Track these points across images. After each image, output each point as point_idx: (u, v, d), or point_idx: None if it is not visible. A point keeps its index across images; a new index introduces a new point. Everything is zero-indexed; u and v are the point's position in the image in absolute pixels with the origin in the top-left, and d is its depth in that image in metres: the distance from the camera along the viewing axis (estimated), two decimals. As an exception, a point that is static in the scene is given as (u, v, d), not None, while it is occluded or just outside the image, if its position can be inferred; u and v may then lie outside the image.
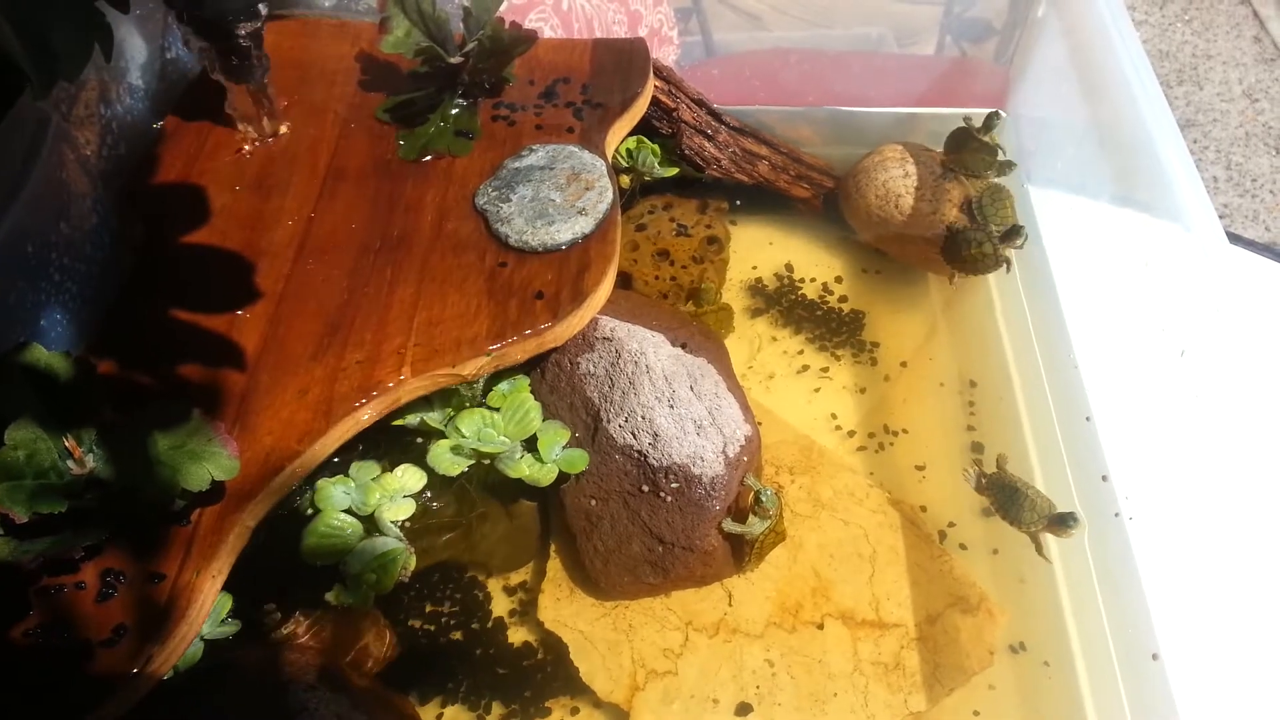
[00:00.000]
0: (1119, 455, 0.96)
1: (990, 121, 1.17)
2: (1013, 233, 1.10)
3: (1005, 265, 1.12)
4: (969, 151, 1.18)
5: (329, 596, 0.84)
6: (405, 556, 0.87)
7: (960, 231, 1.13)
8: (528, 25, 1.26)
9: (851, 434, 1.09)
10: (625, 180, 1.20)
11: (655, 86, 1.18)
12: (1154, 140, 0.95)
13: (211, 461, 0.74)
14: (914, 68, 1.59)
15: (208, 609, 0.76)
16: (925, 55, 1.62)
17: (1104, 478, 0.97)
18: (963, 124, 1.19)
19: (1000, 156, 1.16)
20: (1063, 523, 0.90)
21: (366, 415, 0.86)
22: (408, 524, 0.91)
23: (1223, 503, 0.83)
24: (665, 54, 1.49)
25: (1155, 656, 0.84)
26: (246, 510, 0.79)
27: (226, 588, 0.82)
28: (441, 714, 0.87)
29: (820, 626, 0.92)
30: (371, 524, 0.89)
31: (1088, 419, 1.01)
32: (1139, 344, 0.97)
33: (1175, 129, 0.93)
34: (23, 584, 0.74)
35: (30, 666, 0.72)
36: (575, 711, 0.88)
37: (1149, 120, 0.96)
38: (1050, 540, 0.96)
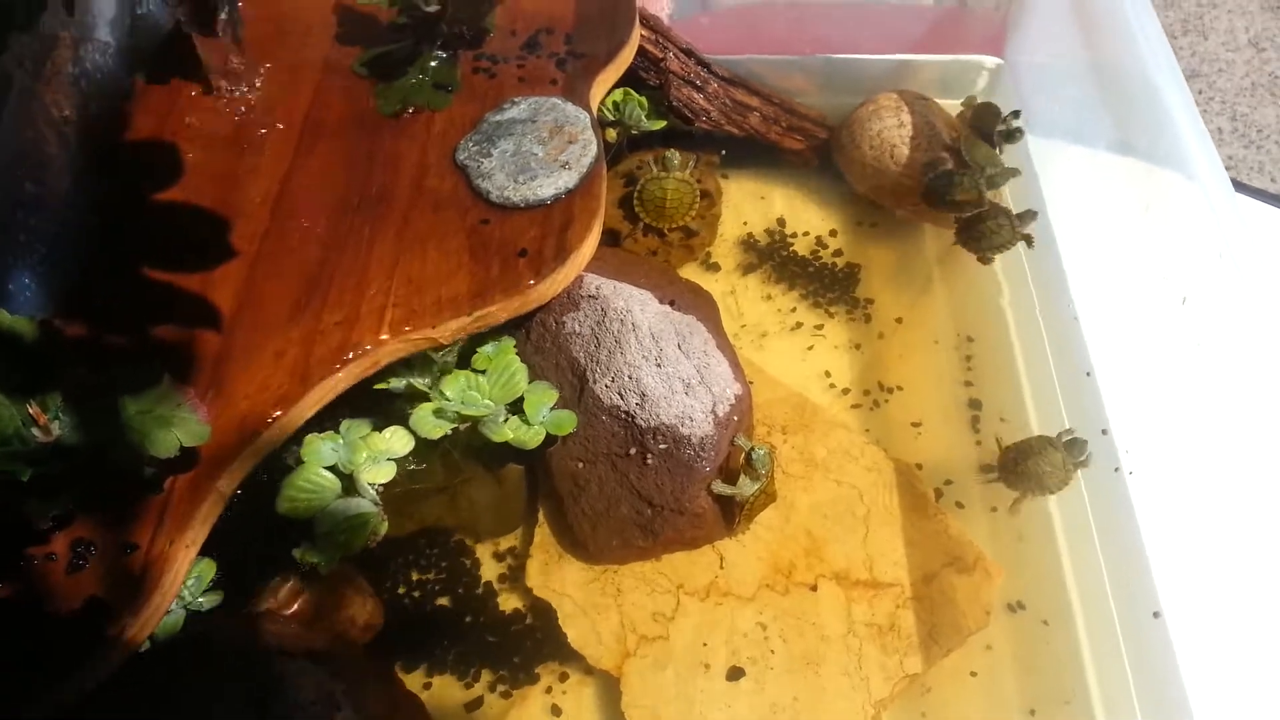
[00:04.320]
0: (1119, 408, 0.94)
1: (1013, 135, 1.14)
2: (1027, 215, 1.07)
3: (1026, 241, 1.09)
4: (979, 147, 1.13)
5: (295, 553, 0.82)
6: (376, 521, 0.85)
7: (978, 214, 1.10)
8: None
9: (846, 391, 1.06)
10: (612, 134, 1.16)
11: (642, 36, 1.14)
12: (1157, 84, 0.91)
13: (180, 427, 0.72)
14: (911, 15, 1.55)
15: (181, 579, 0.75)
16: (924, 4, 1.57)
17: (1104, 431, 0.95)
18: (994, 108, 1.16)
19: (1000, 165, 1.12)
20: (1080, 450, 0.91)
21: (344, 379, 0.84)
22: (383, 489, 0.89)
23: (1225, 455, 0.81)
24: (659, 7, 1.44)
25: (1157, 614, 0.83)
26: (221, 477, 0.77)
27: (210, 552, 0.80)
28: (429, 683, 0.85)
29: (813, 588, 0.90)
30: (351, 484, 0.87)
31: (1088, 374, 0.98)
32: (1139, 294, 0.94)
33: (1178, 71, 0.90)
34: (-9, 556, 0.72)
35: (2, 638, 0.70)
36: (564, 678, 0.87)
37: (1151, 64, 0.93)
38: (1049, 499, 0.94)
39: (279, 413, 0.80)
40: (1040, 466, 0.90)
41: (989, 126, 1.15)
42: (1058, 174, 1.15)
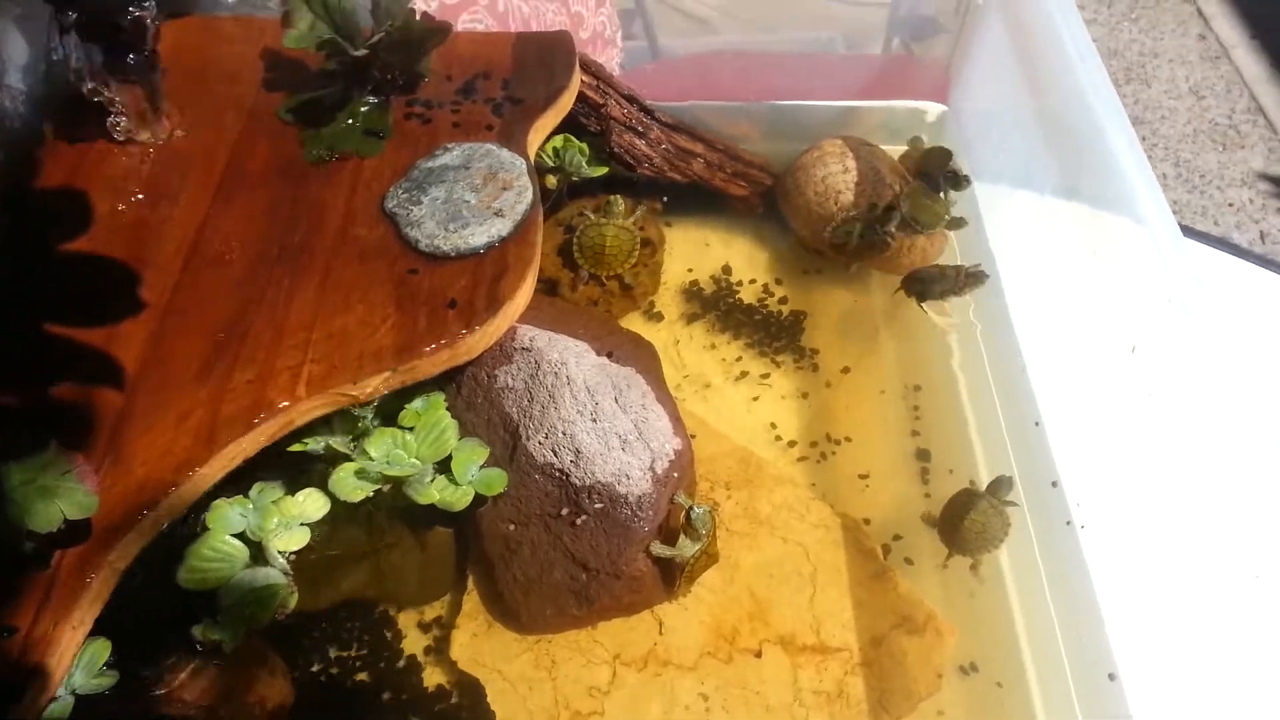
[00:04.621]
0: (1069, 460, 0.91)
1: (959, 182, 1.12)
2: (976, 277, 1.05)
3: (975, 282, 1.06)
4: (920, 202, 1.11)
5: (196, 631, 0.76)
6: (285, 592, 0.79)
7: (923, 271, 1.08)
8: (461, 27, 1.20)
9: (792, 444, 1.03)
10: (552, 181, 1.13)
11: (582, 82, 1.12)
12: (1103, 130, 0.90)
13: (65, 498, 0.66)
14: (860, 65, 1.55)
15: (67, 663, 0.69)
16: (868, 54, 1.57)
17: (1054, 484, 0.92)
18: (942, 152, 1.14)
19: (941, 218, 1.11)
20: (1005, 488, 0.89)
21: (255, 441, 0.78)
22: (297, 556, 0.84)
23: (1181, 508, 0.78)
24: (608, 57, 1.43)
25: (1113, 676, 0.79)
26: (114, 550, 0.71)
27: (106, 630, 0.74)
28: (346, 768, 0.80)
29: (758, 654, 0.85)
30: (261, 552, 0.82)
31: (1037, 424, 0.96)
32: (1088, 341, 0.92)
33: (1124, 116, 0.89)
34: None
35: None
36: (492, 759, 0.81)
37: (1098, 110, 0.91)
38: (1000, 553, 0.91)
39: (181, 479, 0.75)
40: (977, 522, 0.87)
41: (937, 172, 1.14)
42: (1004, 220, 1.14)
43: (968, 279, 1.05)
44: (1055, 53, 0.99)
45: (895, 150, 1.21)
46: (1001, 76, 1.16)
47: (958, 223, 1.11)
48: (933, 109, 1.29)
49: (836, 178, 1.14)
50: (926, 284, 1.06)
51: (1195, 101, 3.10)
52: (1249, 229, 2.75)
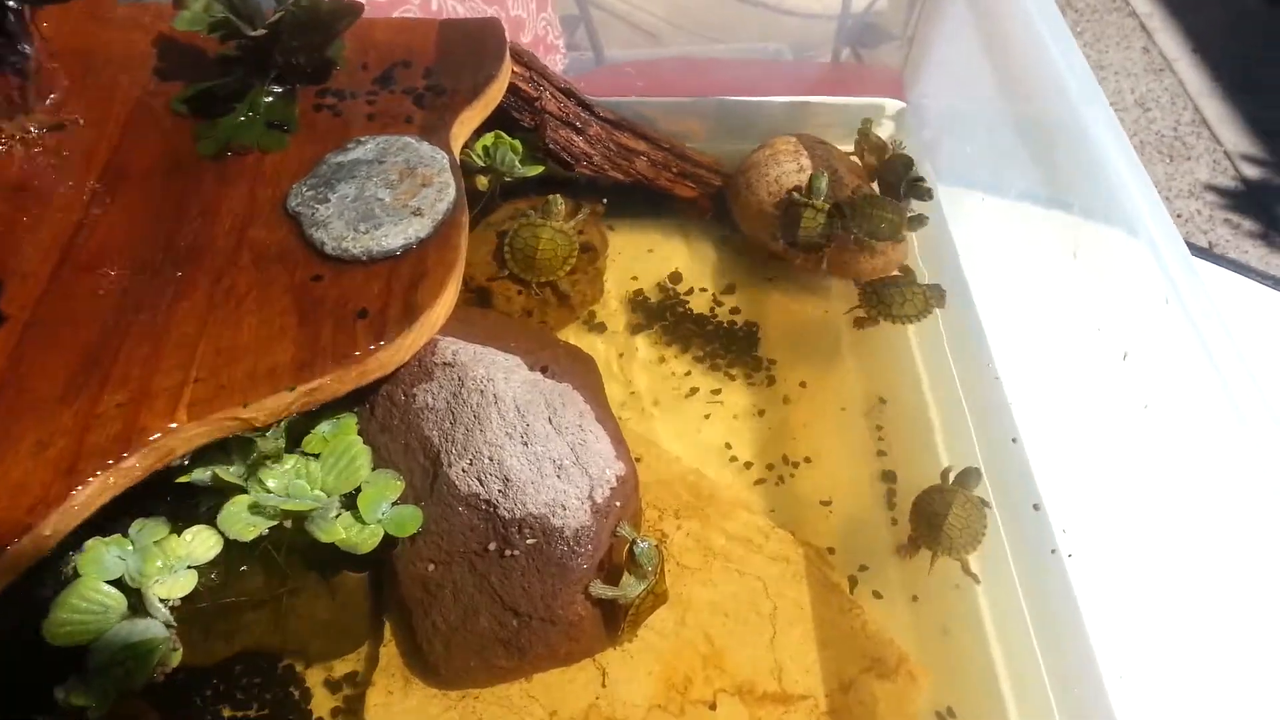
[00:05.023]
0: (1053, 480, 0.84)
1: (920, 191, 1.04)
2: (937, 292, 0.99)
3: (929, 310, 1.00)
4: (888, 210, 1.03)
5: (58, 694, 0.65)
6: (166, 648, 0.69)
7: (883, 281, 1.01)
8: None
9: (748, 466, 0.94)
10: (483, 181, 1.04)
11: (514, 73, 1.03)
12: (1084, 121, 0.83)
13: None
14: (806, 69, 1.48)
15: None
16: (821, 61, 1.51)
17: (1035, 507, 0.84)
18: (904, 160, 1.05)
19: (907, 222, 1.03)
20: (974, 479, 0.85)
21: (126, 474, 0.67)
22: (183, 604, 0.73)
23: (1184, 532, 0.70)
24: (550, 63, 1.34)
25: (1109, 724, 0.71)
26: (-52, 607, 0.60)
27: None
28: None
29: (712, 706, 0.76)
30: (141, 601, 0.71)
31: (1014, 440, 0.88)
32: (1071, 349, 0.84)
33: (1107, 106, 0.81)
34: None
35: None
36: (407, 839, 0.70)
37: (1078, 101, 0.84)
38: (977, 587, 0.82)
39: (36, 520, 0.63)
40: (960, 517, 0.81)
41: (897, 179, 1.06)
42: (970, 221, 1.06)
43: (931, 296, 0.98)
44: (1029, 41, 0.91)
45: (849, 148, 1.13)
46: (968, 69, 1.09)
47: (918, 221, 1.02)
48: (890, 105, 1.21)
49: (791, 177, 1.06)
50: (891, 304, 0.98)
51: (1141, 113, 3.10)
52: (1197, 239, 2.74)
